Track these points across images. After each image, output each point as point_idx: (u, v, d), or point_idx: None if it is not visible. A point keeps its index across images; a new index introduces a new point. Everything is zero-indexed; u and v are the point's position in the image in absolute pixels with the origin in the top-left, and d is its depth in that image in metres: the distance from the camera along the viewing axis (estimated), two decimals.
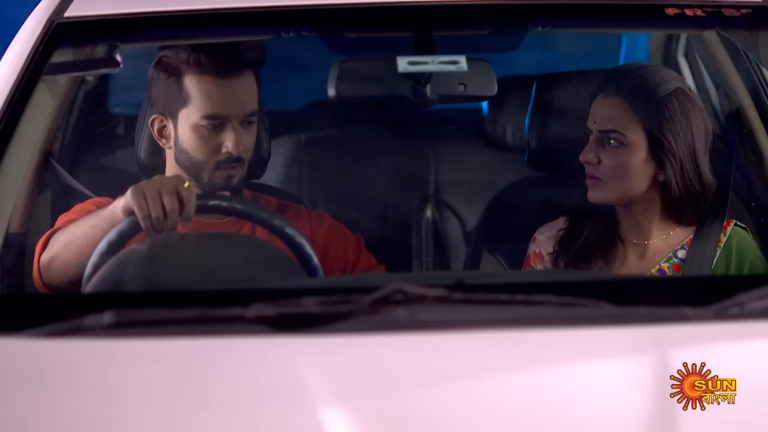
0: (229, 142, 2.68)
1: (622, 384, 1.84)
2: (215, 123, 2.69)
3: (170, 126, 2.74)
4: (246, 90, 2.71)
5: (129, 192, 2.39)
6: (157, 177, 2.46)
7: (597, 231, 2.72)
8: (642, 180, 2.66)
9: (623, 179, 2.65)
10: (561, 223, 2.79)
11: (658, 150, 2.63)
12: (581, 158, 2.68)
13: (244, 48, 2.72)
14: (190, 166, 2.72)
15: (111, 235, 2.37)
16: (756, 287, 1.99)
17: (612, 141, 2.64)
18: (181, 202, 2.39)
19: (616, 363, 1.89)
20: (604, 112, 2.66)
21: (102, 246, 2.36)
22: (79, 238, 2.48)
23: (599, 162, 2.65)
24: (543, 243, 2.78)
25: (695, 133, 2.64)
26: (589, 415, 1.80)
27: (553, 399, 1.82)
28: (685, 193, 2.65)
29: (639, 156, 2.64)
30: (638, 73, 2.67)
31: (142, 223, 2.37)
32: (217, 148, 2.70)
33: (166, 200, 2.37)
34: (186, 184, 2.41)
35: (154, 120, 2.76)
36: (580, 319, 1.94)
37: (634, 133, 2.64)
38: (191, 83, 2.70)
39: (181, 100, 2.71)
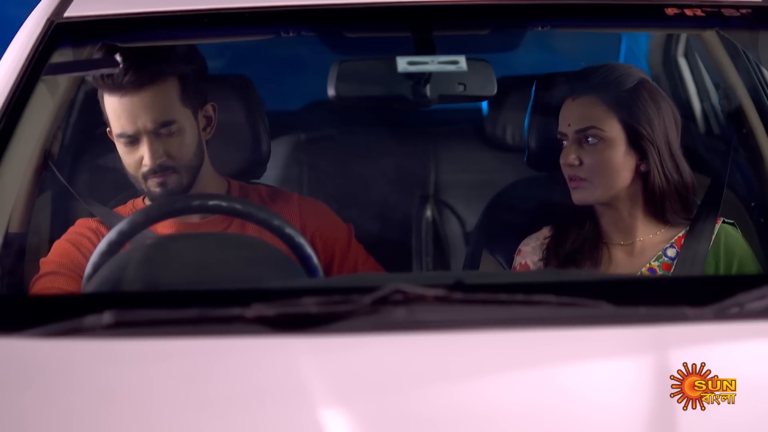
0: (144, 156, 2.68)
1: (622, 384, 1.84)
2: (128, 139, 2.69)
3: None
4: (154, 101, 2.68)
5: None
6: None
7: (581, 236, 2.73)
8: (625, 173, 2.67)
9: (608, 175, 2.66)
10: (545, 233, 2.80)
11: (637, 139, 2.66)
12: (562, 162, 2.69)
13: (154, 59, 2.68)
14: (131, 178, 2.74)
15: (111, 235, 2.36)
16: (756, 287, 1.99)
17: (590, 138, 2.67)
18: None
19: (615, 363, 1.89)
20: (577, 112, 2.69)
21: (102, 246, 2.35)
22: None
23: (581, 163, 2.67)
24: (528, 254, 2.79)
25: (667, 122, 2.68)
26: (589, 415, 1.80)
27: (552, 399, 1.82)
28: (666, 183, 2.67)
29: (619, 149, 2.66)
30: (601, 71, 2.71)
31: None
32: (139, 162, 2.70)
33: None
34: None
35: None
36: (580, 319, 1.94)
37: (610, 126, 2.66)
38: (105, 103, 2.72)
39: (106, 119, 2.73)
